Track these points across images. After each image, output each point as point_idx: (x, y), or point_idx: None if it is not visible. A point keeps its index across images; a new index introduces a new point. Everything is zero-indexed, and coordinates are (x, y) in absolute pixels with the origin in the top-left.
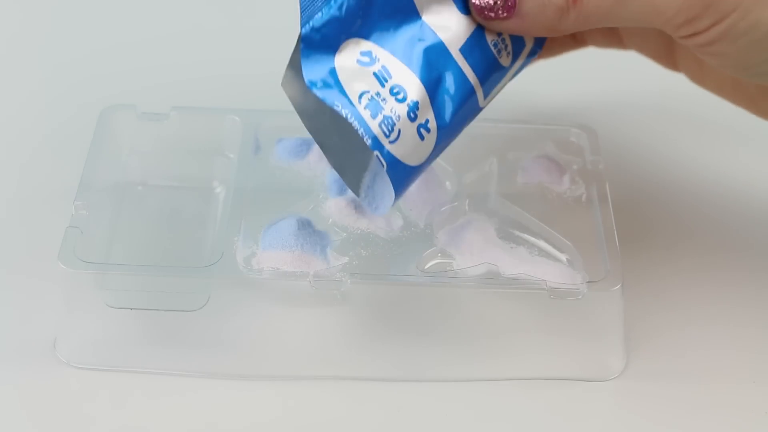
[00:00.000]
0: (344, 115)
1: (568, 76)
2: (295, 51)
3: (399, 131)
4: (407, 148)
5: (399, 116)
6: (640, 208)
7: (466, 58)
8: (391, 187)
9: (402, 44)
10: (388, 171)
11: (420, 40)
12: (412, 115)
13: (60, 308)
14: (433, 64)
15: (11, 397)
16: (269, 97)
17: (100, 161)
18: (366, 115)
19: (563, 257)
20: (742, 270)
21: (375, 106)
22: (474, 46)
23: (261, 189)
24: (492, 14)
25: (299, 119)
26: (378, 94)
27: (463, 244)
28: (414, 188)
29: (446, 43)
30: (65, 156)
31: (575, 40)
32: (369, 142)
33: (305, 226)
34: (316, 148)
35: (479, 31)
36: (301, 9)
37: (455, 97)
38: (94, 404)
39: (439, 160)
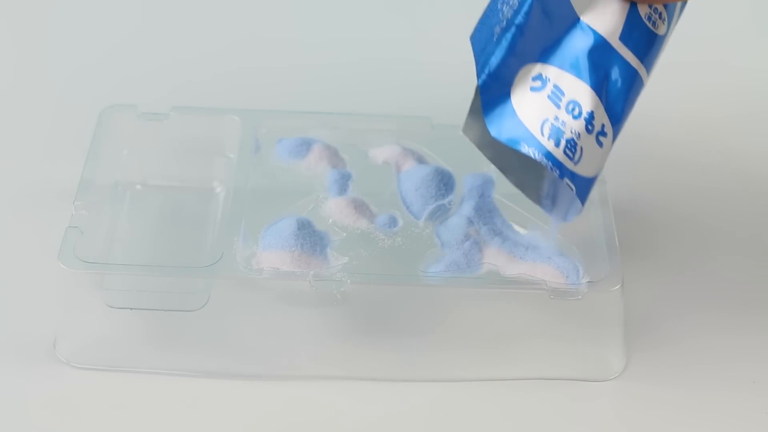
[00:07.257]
0: (532, 155)
1: None
2: (474, 99)
3: (581, 149)
4: (589, 163)
5: (579, 134)
6: (640, 208)
7: (626, 44)
8: (579, 202)
9: (567, 54)
10: (576, 193)
11: (582, 43)
12: (589, 127)
13: (60, 308)
14: (598, 63)
15: (11, 396)
16: (269, 97)
17: (100, 161)
18: (550, 146)
19: (563, 257)
20: (742, 270)
21: (556, 133)
22: (632, 29)
23: (261, 189)
24: None
25: (299, 119)
26: (556, 118)
27: (462, 244)
28: (414, 188)
29: (606, 37)
30: (65, 156)
31: None
32: (557, 173)
33: (305, 226)
34: (316, 147)
35: (633, 9)
36: (475, 56)
37: (623, 89)
38: (94, 404)
39: (440, 160)
